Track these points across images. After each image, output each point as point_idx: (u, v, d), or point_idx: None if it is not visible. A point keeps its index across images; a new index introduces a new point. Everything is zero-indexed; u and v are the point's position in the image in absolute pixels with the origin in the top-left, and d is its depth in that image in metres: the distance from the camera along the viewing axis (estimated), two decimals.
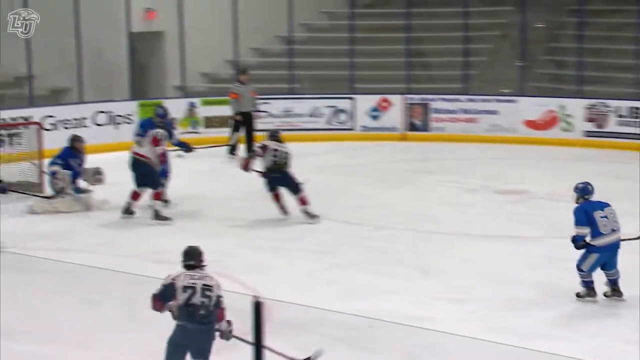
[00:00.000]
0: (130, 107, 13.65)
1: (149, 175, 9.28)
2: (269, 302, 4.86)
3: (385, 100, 14.66)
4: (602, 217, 6.64)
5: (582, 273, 6.73)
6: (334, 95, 14.67)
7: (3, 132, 11.43)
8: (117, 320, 6.49)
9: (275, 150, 9.29)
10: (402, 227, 8.98)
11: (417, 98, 14.44)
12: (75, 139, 10.06)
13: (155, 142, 9.34)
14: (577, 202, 6.70)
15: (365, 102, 14.52)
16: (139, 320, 6.42)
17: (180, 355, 5.25)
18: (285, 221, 9.29)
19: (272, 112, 13.58)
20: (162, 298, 5.32)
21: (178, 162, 10.77)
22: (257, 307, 4.13)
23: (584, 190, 6.74)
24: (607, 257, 6.69)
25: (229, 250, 8.22)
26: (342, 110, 14.63)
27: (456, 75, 14.68)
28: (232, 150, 12.57)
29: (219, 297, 5.30)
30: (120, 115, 13.62)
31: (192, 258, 5.43)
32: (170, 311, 5.28)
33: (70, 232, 8.98)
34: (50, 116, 12.89)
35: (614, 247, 6.67)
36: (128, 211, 9.37)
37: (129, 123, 13.34)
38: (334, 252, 8.31)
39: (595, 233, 6.63)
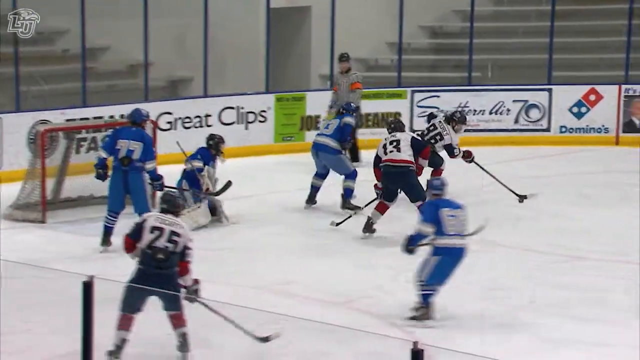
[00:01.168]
0: (266, 102, 13.88)
1: (415, 186, 9.69)
2: (430, 350, 4.98)
3: (593, 92, 14.30)
4: (449, 215, 7.27)
5: (420, 283, 7.30)
6: (524, 86, 14.54)
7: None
8: None
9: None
10: (611, 257, 8.95)
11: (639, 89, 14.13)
12: (219, 140, 10.40)
13: (426, 153, 9.95)
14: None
15: (566, 95, 14.32)
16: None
17: (137, 300, 6.44)
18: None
19: (443, 108, 13.51)
20: (132, 237, 6.62)
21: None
22: (417, 356, 4.23)
23: (435, 187, 7.48)
24: (451, 264, 7.25)
25: (383, 285, 8.44)
26: (534, 106, 14.47)
27: None
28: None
29: (186, 247, 6.51)
30: (252, 112, 13.91)
31: (168, 203, 6.79)
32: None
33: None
34: (168, 112, 13.40)
35: (457, 253, 7.24)
36: (370, 228, 9.75)
37: (262, 122, 13.63)
38: (514, 289, 8.29)
39: (439, 232, 7.25)
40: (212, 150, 10.36)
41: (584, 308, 7.74)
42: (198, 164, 10.25)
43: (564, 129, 14.31)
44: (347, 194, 10.71)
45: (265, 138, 13.79)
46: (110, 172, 9.54)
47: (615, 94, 14.22)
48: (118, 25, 13.98)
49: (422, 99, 14.34)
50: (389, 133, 10.02)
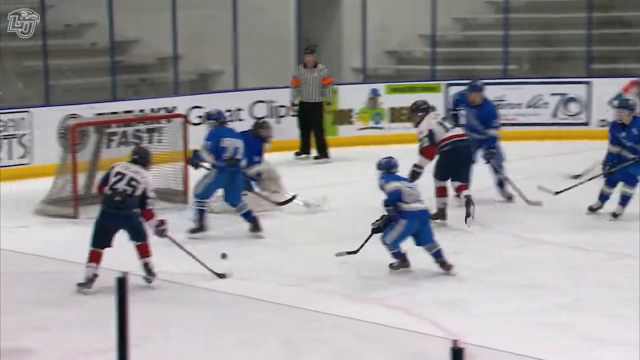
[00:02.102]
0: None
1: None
2: (472, 348, 4.84)
3: (634, 85, 14.16)
4: (408, 187, 8.42)
5: (387, 246, 8.37)
6: (562, 79, 14.47)
7: (141, 126, 12.13)
8: None
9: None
10: None
11: None
12: (263, 126, 10.41)
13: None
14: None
15: (605, 88, 14.18)
16: None
17: (104, 237, 7.82)
18: (489, 244, 9.43)
19: None
20: (102, 181, 7.91)
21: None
22: (457, 355, 4.11)
23: (388, 164, 8.51)
24: (415, 227, 8.30)
25: (413, 282, 8.39)
26: (573, 99, 14.31)
27: None
28: (302, 152, 13.04)
29: (145, 194, 7.75)
30: (283, 106, 13.95)
31: (138, 154, 8.07)
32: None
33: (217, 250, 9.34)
34: (198, 107, 13.42)
35: (421, 215, 8.31)
36: (443, 215, 9.98)
37: (294, 115, 13.64)
38: (558, 286, 8.24)
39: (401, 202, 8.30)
40: (261, 132, 10.25)
41: (629, 308, 7.64)
42: (257, 168, 10.20)
43: (603, 123, 14.16)
44: None
45: (297, 132, 13.71)
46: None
47: None
48: (147, 17, 14.05)
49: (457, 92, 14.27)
50: (424, 112, 10.02)
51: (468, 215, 9.67)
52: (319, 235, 9.70)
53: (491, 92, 13.94)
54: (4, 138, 12.17)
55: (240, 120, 13.53)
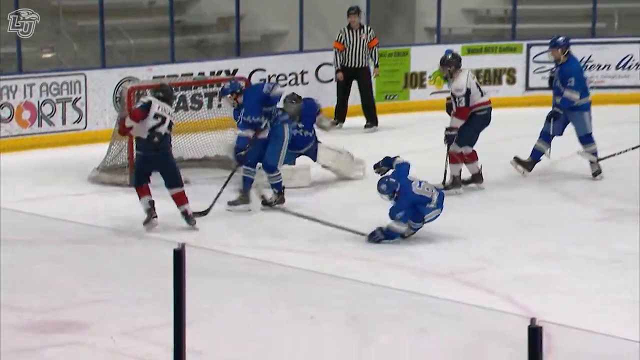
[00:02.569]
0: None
1: None
2: (550, 327, 4.92)
3: None
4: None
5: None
6: None
7: (200, 90, 12.19)
8: (340, 342, 6.71)
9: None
10: None
11: None
12: (291, 98, 10.45)
13: None
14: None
15: None
16: (366, 340, 6.65)
17: (144, 177, 8.99)
18: (570, 216, 9.43)
19: None
20: (144, 110, 8.84)
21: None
22: (535, 334, 4.13)
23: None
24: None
25: (489, 256, 8.41)
26: None
27: None
28: (338, 118, 12.89)
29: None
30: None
31: (166, 92, 9.08)
32: (129, 133, 9.06)
33: (277, 223, 9.43)
34: (261, 69, 13.48)
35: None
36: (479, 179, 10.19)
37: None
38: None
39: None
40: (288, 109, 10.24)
41: None
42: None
43: None
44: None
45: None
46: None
47: None
48: None
49: (540, 53, 14.12)
50: (458, 65, 10.04)
51: (477, 182, 10.05)
52: (384, 206, 9.72)
53: (577, 52, 13.67)
54: (58, 102, 12.33)
55: (305, 83, 13.59)
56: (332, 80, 13.51)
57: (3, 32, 12.12)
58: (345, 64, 12.98)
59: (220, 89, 9.73)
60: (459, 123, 9.98)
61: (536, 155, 10.65)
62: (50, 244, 8.63)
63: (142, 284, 7.61)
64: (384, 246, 8.59)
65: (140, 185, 9.00)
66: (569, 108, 10.39)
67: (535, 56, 14.29)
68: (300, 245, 8.75)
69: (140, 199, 8.98)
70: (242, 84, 9.98)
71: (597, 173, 10.57)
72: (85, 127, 12.46)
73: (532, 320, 4.18)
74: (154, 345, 6.39)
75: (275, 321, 6.98)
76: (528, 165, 10.65)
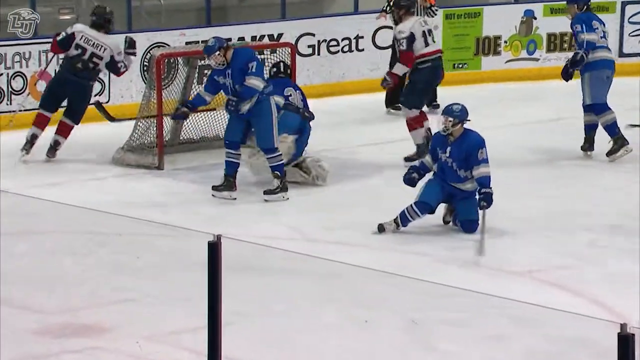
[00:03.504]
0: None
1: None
2: None
3: None
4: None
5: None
6: None
7: None
8: (398, 350, 6.74)
9: None
10: None
11: None
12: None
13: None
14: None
15: None
16: (428, 348, 6.67)
17: (53, 102, 10.87)
18: None
19: None
20: (62, 46, 10.81)
21: None
22: (626, 342, 4.17)
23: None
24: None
25: (581, 252, 8.43)
26: None
27: None
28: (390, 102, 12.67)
29: (113, 60, 10.83)
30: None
31: (100, 16, 10.92)
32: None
33: (325, 212, 9.50)
34: (309, 34, 13.49)
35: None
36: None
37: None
38: None
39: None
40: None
41: None
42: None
43: None
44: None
45: None
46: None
47: None
48: None
49: (636, 13, 14.07)
50: (406, 9, 10.67)
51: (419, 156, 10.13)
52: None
53: None
54: None
55: (360, 50, 13.62)
56: (390, 46, 13.41)
57: None
58: None
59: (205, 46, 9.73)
60: (402, 69, 10.62)
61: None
62: (69, 235, 8.73)
63: (173, 282, 7.69)
64: (447, 239, 8.65)
65: (45, 111, 10.71)
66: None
67: (630, 16, 14.23)
68: (353, 237, 8.78)
69: (32, 126, 10.58)
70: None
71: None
72: (109, 101, 12.39)
73: (623, 326, 4.20)
74: (185, 352, 6.48)
75: (324, 325, 7.02)
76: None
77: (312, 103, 10.66)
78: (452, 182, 8.73)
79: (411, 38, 10.51)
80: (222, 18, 13.49)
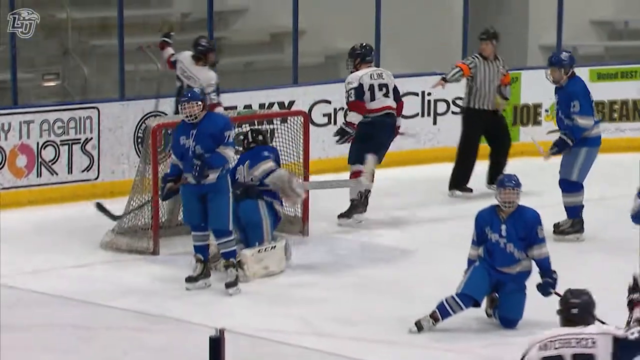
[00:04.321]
0: (463, 85, 13.36)
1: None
2: None
3: None
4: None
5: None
6: None
7: (247, 127, 11.79)
8: None
9: None
10: None
11: None
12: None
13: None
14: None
15: None
16: None
17: None
18: None
19: None
20: None
21: None
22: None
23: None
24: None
25: None
26: None
27: None
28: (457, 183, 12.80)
29: None
30: (443, 100, 14.05)
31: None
32: None
33: (344, 302, 9.45)
34: (325, 101, 13.58)
35: None
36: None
37: (458, 113, 13.45)
38: None
39: None
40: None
41: None
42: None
43: None
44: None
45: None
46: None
47: None
48: None
49: None
50: (359, 57, 11.54)
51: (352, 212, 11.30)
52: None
53: None
54: (62, 144, 12.37)
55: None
56: (417, 114, 13.63)
57: None
58: (473, 105, 12.67)
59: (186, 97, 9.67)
60: (356, 117, 11.31)
61: None
62: (49, 329, 8.63)
63: None
64: (480, 334, 8.62)
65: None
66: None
67: None
68: (375, 333, 8.71)
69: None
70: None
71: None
72: (98, 177, 12.47)
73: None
74: None
75: None
76: None
77: (329, 178, 11.16)
78: (502, 267, 8.63)
79: (359, 89, 11.30)
80: (226, 83, 13.17)
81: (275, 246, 10.13)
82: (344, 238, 11.08)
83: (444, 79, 12.66)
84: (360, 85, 11.28)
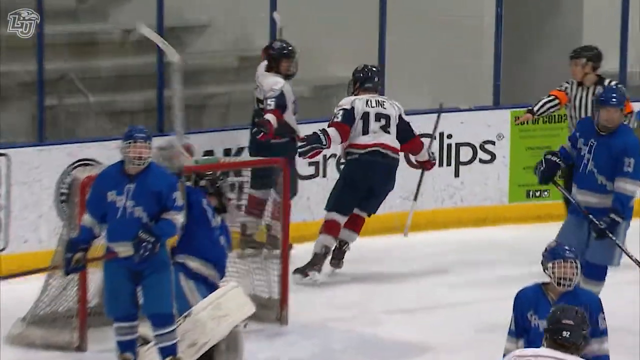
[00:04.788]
0: (496, 125, 13.64)
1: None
2: None
3: None
4: None
5: None
6: None
7: (206, 182, 10.98)
8: None
9: None
10: None
11: None
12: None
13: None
14: None
15: None
16: None
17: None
18: None
19: None
20: None
21: None
22: None
23: None
24: None
25: None
26: None
27: None
28: None
29: None
30: (468, 144, 13.66)
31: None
32: None
33: None
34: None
35: None
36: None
37: (488, 161, 13.48)
38: None
39: None
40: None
41: None
42: None
43: None
44: None
45: (491, 192, 13.51)
46: None
47: None
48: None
49: None
50: (359, 83, 11.41)
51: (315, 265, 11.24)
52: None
53: None
54: None
55: None
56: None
57: None
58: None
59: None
60: (335, 140, 11.21)
61: None
62: None
63: None
64: None
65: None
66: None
67: None
68: None
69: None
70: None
71: None
72: (5, 248, 11.74)
73: None
74: None
75: None
76: None
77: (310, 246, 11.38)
78: None
79: (349, 112, 11.12)
80: (183, 120, 12.28)
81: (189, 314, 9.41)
82: (337, 328, 10.67)
83: (531, 111, 12.12)
84: (352, 109, 11.19)
